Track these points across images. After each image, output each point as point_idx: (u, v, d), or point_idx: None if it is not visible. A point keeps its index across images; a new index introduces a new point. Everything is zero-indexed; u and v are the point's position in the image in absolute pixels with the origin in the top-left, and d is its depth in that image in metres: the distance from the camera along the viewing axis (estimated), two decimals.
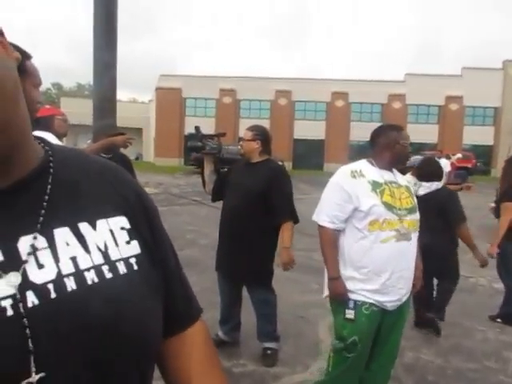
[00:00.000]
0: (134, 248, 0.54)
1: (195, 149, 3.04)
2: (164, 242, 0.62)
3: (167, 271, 0.60)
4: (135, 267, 0.52)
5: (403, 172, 4.44)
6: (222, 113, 29.55)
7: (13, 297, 0.43)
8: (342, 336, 1.95)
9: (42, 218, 0.48)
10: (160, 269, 0.57)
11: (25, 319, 0.43)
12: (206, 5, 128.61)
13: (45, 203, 0.49)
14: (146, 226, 0.58)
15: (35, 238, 0.47)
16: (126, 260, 0.52)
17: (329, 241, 1.99)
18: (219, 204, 3.00)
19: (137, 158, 35.37)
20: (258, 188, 2.67)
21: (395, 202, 1.94)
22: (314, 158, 29.66)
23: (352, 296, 1.94)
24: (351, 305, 1.94)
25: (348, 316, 1.93)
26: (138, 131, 35.76)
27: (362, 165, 2.06)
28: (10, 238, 0.46)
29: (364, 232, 1.91)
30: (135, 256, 0.53)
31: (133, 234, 0.55)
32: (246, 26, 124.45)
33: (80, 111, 22.71)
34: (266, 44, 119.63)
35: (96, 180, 0.56)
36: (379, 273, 1.91)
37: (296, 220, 2.78)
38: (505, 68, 29.26)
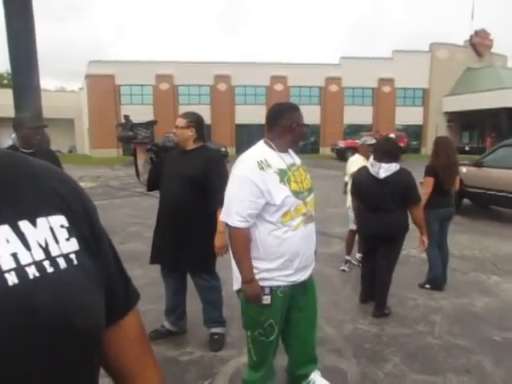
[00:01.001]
0: (73, 245, 0.56)
1: (126, 138, 2.92)
2: (103, 239, 0.65)
3: (106, 266, 0.63)
4: (75, 262, 0.55)
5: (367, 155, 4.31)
6: (159, 100, 28.64)
7: None
8: (259, 322, 1.96)
9: None
10: (100, 264, 0.60)
11: None
12: None
13: None
14: (85, 223, 0.60)
15: None
16: (66, 256, 0.54)
17: (244, 242, 1.87)
18: None
19: (70, 151, 33.36)
20: (196, 175, 2.66)
21: (299, 186, 1.93)
22: (256, 142, 29.78)
23: (266, 283, 1.92)
24: (267, 291, 1.92)
25: (264, 302, 1.92)
26: (69, 122, 33.54)
27: (264, 151, 1.95)
28: None
29: (277, 224, 1.87)
30: (75, 252, 0.56)
31: (72, 231, 0.57)
32: (184, 10, 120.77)
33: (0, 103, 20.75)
34: (204, 29, 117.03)
35: (35, 180, 0.58)
36: (294, 259, 1.92)
37: None
38: (432, 51, 30.97)
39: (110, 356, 0.66)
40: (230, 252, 2.01)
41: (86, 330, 0.53)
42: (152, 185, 2.93)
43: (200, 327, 3.02)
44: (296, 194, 1.90)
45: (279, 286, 1.94)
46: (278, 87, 30.19)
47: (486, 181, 7.35)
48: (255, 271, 1.90)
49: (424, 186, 4.06)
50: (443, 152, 4.05)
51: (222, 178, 2.69)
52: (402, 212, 3.32)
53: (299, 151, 4.18)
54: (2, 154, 0.58)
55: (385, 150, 3.38)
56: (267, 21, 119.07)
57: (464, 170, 7.78)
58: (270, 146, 1.96)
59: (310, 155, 24.36)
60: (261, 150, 1.96)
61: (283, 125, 1.97)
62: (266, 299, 1.92)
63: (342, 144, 23.00)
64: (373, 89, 30.79)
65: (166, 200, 2.81)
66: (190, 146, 2.79)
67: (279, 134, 1.97)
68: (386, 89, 30.60)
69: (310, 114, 30.49)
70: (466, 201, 8.16)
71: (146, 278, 3.96)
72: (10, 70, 4.19)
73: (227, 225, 1.92)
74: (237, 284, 2.02)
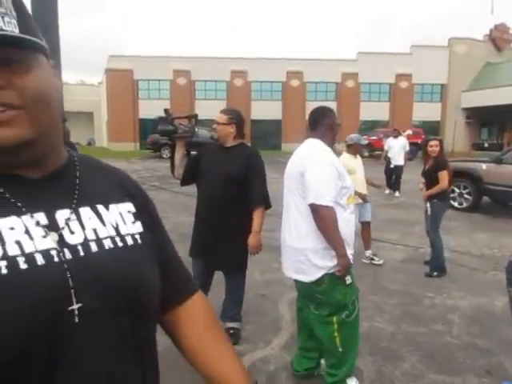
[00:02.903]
0: (138, 227, 0.70)
1: (167, 132, 2.81)
2: (161, 229, 0.79)
3: (165, 252, 0.77)
4: (139, 241, 0.68)
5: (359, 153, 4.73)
6: (176, 94, 28.78)
7: (56, 249, 0.59)
8: (344, 303, 2.13)
9: (74, 199, 0.64)
10: (157, 247, 0.73)
11: (65, 265, 0.58)
12: None
13: (76, 188, 0.66)
14: (146, 213, 0.74)
15: (68, 212, 0.63)
16: (132, 235, 0.68)
17: (335, 220, 2.02)
18: (180, 189, 2.94)
19: (89, 144, 33.97)
20: (237, 173, 2.64)
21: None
22: (272, 138, 29.80)
23: None
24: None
25: (348, 282, 2.10)
26: (89, 115, 34.16)
27: (323, 144, 2.20)
28: (51, 210, 0.62)
29: (344, 206, 2.09)
30: (139, 233, 0.69)
31: (137, 216, 0.71)
32: (199, 6, 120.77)
33: None
34: (221, 24, 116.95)
35: (106, 175, 0.74)
36: (351, 240, 2.17)
37: (268, 205, 2.78)
38: (450, 46, 30.33)
39: (181, 336, 0.77)
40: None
41: (144, 297, 0.65)
42: (187, 180, 2.87)
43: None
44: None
45: (351, 265, 2.13)
46: (294, 83, 30.00)
47: (506, 178, 7.18)
48: (332, 253, 2.05)
49: (443, 179, 4.37)
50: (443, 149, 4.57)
51: (262, 178, 2.73)
52: None
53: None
54: (83, 156, 0.75)
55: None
56: (283, 16, 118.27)
57: (484, 166, 7.63)
58: (325, 143, 2.22)
59: None
60: (319, 143, 2.20)
61: (327, 124, 2.23)
62: (349, 279, 2.11)
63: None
64: (390, 84, 30.32)
65: (206, 197, 2.77)
66: (230, 142, 2.76)
67: (324, 132, 2.22)
68: (404, 84, 30.09)
69: None
70: (485, 198, 8.00)
71: None
72: None
73: (316, 206, 2.00)
74: (314, 274, 2.11)
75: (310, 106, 30.02)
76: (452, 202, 8.03)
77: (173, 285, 0.76)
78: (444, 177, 4.35)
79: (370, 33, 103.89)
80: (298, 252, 2.17)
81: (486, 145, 27.78)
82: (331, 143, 2.25)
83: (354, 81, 30.12)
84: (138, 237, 0.68)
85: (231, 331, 2.94)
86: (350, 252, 2.13)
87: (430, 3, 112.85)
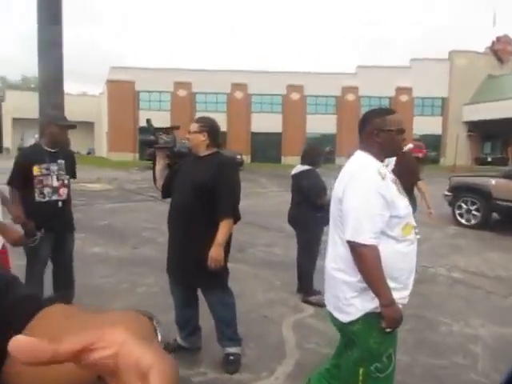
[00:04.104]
0: None
1: (147, 143, 2.81)
2: None
3: None
4: None
5: None
6: (177, 106, 28.80)
7: None
8: (379, 353, 1.74)
9: None
10: None
11: None
12: None
13: None
14: None
15: None
16: None
17: (378, 260, 1.65)
18: None
19: (89, 153, 34.02)
20: (203, 182, 2.49)
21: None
22: (271, 151, 29.72)
23: None
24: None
25: (388, 329, 1.71)
26: (90, 125, 34.28)
27: (371, 160, 1.76)
28: None
29: (398, 238, 1.70)
30: None
31: None
32: (199, 19, 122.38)
33: (26, 104, 21.39)
34: (221, 37, 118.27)
35: None
36: (410, 276, 1.77)
37: (237, 217, 2.61)
38: (451, 58, 30.27)
39: None
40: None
41: None
42: (166, 191, 2.77)
43: (215, 344, 2.76)
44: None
45: (400, 317, 1.73)
46: (295, 96, 30.05)
47: None
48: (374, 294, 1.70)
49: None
50: None
51: (230, 185, 2.53)
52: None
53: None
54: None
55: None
56: (283, 29, 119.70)
57: (493, 181, 7.39)
58: (373, 156, 1.78)
59: (326, 165, 23.97)
60: (371, 159, 1.76)
61: (368, 132, 1.80)
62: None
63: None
64: (390, 98, 30.33)
65: (173, 208, 2.66)
66: (203, 151, 2.61)
67: (367, 143, 1.80)
68: (404, 98, 30.11)
69: (327, 124, 30.29)
70: (494, 215, 7.74)
71: (159, 285, 3.77)
72: (37, 75, 4.43)
73: (354, 244, 1.67)
74: (350, 314, 1.77)
75: (310, 119, 30.20)
76: (459, 219, 7.81)
77: None
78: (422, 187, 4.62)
79: (370, 46, 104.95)
80: (337, 285, 1.83)
81: (490, 159, 27.49)
82: (381, 156, 1.79)
83: (354, 94, 30.16)
84: None
85: (231, 357, 2.68)
86: (404, 294, 1.75)
87: (430, 16, 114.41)
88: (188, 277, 2.62)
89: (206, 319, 2.81)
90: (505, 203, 7.12)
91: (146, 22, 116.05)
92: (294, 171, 3.93)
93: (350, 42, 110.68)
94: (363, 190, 1.68)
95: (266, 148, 29.85)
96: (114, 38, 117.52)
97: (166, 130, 2.79)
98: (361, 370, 1.78)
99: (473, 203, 7.66)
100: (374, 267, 1.65)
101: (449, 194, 8.11)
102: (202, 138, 2.58)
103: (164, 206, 2.72)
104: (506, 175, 7.28)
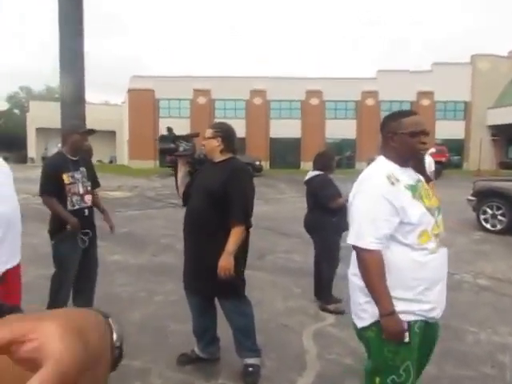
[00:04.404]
0: None
1: (167, 151, 2.86)
2: None
3: None
4: None
5: None
6: (196, 113, 29.11)
7: None
8: (395, 365, 1.66)
9: None
10: None
11: None
12: (178, 4, 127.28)
13: None
14: None
15: None
16: None
17: (380, 267, 1.62)
18: None
19: (111, 162, 34.69)
20: (214, 188, 2.45)
21: (430, 203, 1.70)
22: (290, 156, 29.66)
23: (404, 317, 1.65)
24: (405, 326, 1.65)
25: (404, 340, 1.65)
26: (112, 134, 34.96)
27: (389, 165, 1.73)
28: None
29: (414, 246, 1.64)
30: None
31: None
32: (217, 26, 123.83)
33: (50, 114, 22.03)
34: (237, 44, 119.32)
35: None
36: (432, 287, 1.67)
37: (248, 225, 2.53)
38: (473, 62, 29.84)
39: None
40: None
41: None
42: (186, 199, 2.76)
43: (234, 355, 2.72)
44: (430, 210, 1.69)
45: (416, 321, 1.68)
46: (314, 101, 29.95)
47: None
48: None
49: None
50: None
51: (241, 191, 2.47)
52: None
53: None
54: None
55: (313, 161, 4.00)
56: (302, 35, 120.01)
57: None
58: (391, 161, 1.75)
59: (346, 170, 23.76)
60: (385, 164, 1.75)
61: (384, 136, 1.78)
62: (405, 337, 1.66)
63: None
64: (411, 102, 29.88)
65: (187, 215, 2.64)
66: (218, 157, 2.58)
67: (384, 147, 1.78)
68: (425, 102, 29.61)
69: (346, 129, 30.06)
70: None
71: (178, 294, 3.72)
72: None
73: (357, 249, 1.69)
74: (363, 319, 1.74)
75: (330, 124, 30.03)
76: (484, 224, 7.59)
77: None
78: None
79: (390, 50, 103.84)
80: (353, 289, 1.80)
81: None
82: (400, 160, 1.73)
83: (374, 99, 29.84)
84: None
85: (250, 368, 2.62)
86: (419, 307, 1.66)
87: (451, 20, 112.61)
88: (202, 285, 2.58)
89: (224, 330, 2.76)
90: None
91: (167, 32, 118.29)
92: (306, 177, 3.97)
93: (370, 47, 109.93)
94: (368, 194, 1.68)
95: (285, 154, 29.82)
96: (137, 47, 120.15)
97: (186, 138, 2.82)
98: (377, 380, 1.72)
99: (498, 208, 7.43)
100: (374, 273, 1.63)
101: (473, 198, 7.88)
102: (216, 143, 2.56)
103: (183, 213, 2.72)
104: None
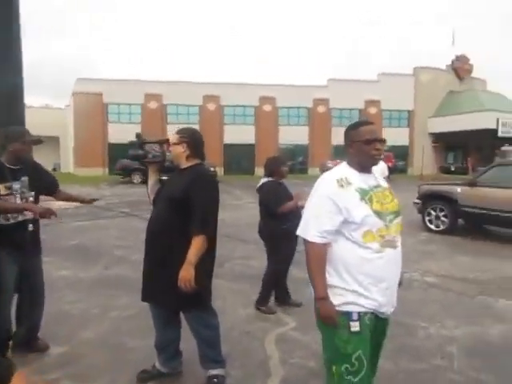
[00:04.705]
0: None
1: (137, 157, 2.75)
2: None
3: None
4: None
5: None
6: (148, 118, 28.48)
7: None
8: (347, 353, 1.77)
9: None
10: None
11: None
12: (129, 5, 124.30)
13: None
14: None
15: None
16: None
17: (318, 257, 1.82)
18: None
19: (54, 169, 32.66)
20: (175, 195, 2.38)
21: (382, 207, 1.83)
22: (245, 162, 29.82)
23: (356, 308, 1.80)
24: (355, 317, 1.78)
25: (354, 329, 1.77)
26: (55, 139, 32.96)
27: (346, 170, 1.90)
28: None
29: (360, 243, 1.79)
30: None
31: None
32: (171, 30, 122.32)
33: None
34: (193, 48, 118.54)
35: None
36: (378, 284, 1.81)
37: (207, 234, 2.37)
38: (416, 74, 32.05)
39: None
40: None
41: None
42: None
43: (197, 367, 2.65)
44: (378, 214, 1.81)
45: (366, 313, 1.81)
46: (267, 107, 30.39)
47: (480, 200, 7.26)
48: (341, 292, 1.81)
49: None
50: None
51: (202, 198, 2.37)
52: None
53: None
54: None
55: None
56: (255, 42, 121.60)
57: (459, 189, 7.72)
58: (351, 167, 1.91)
59: (299, 175, 24.26)
60: (342, 169, 1.93)
61: (346, 144, 1.95)
62: (355, 326, 1.78)
63: (330, 164, 23.04)
64: (359, 110, 31.20)
65: (149, 223, 2.54)
66: (184, 164, 2.52)
67: (347, 153, 1.95)
68: (373, 110, 31.07)
69: (299, 135, 30.75)
70: (460, 221, 8.06)
71: (135, 307, 3.58)
72: None
73: (304, 239, 1.88)
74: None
75: (283, 130, 30.58)
76: (429, 225, 8.10)
77: None
78: None
79: (340, 61, 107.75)
80: None
81: (453, 168, 29.08)
82: (358, 166, 1.88)
83: (325, 106, 30.84)
84: None
85: (214, 380, 2.56)
86: (365, 302, 1.79)
87: (397, 34, 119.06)
88: (164, 297, 2.44)
89: (186, 341, 2.69)
90: (469, 209, 7.46)
91: (115, 32, 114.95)
92: (258, 184, 3.98)
93: (321, 56, 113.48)
94: (318, 194, 1.87)
95: (240, 159, 29.94)
96: (83, 49, 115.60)
97: (155, 144, 2.71)
98: (334, 369, 1.82)
99: (441, 210, 7.98)
100: (314, 263, 1.82)
101: (418, 201, 8.40)
102: (182, 149, 2.50)
103: (135, 222, 2.63)
104: (469, 183, 7.63)
